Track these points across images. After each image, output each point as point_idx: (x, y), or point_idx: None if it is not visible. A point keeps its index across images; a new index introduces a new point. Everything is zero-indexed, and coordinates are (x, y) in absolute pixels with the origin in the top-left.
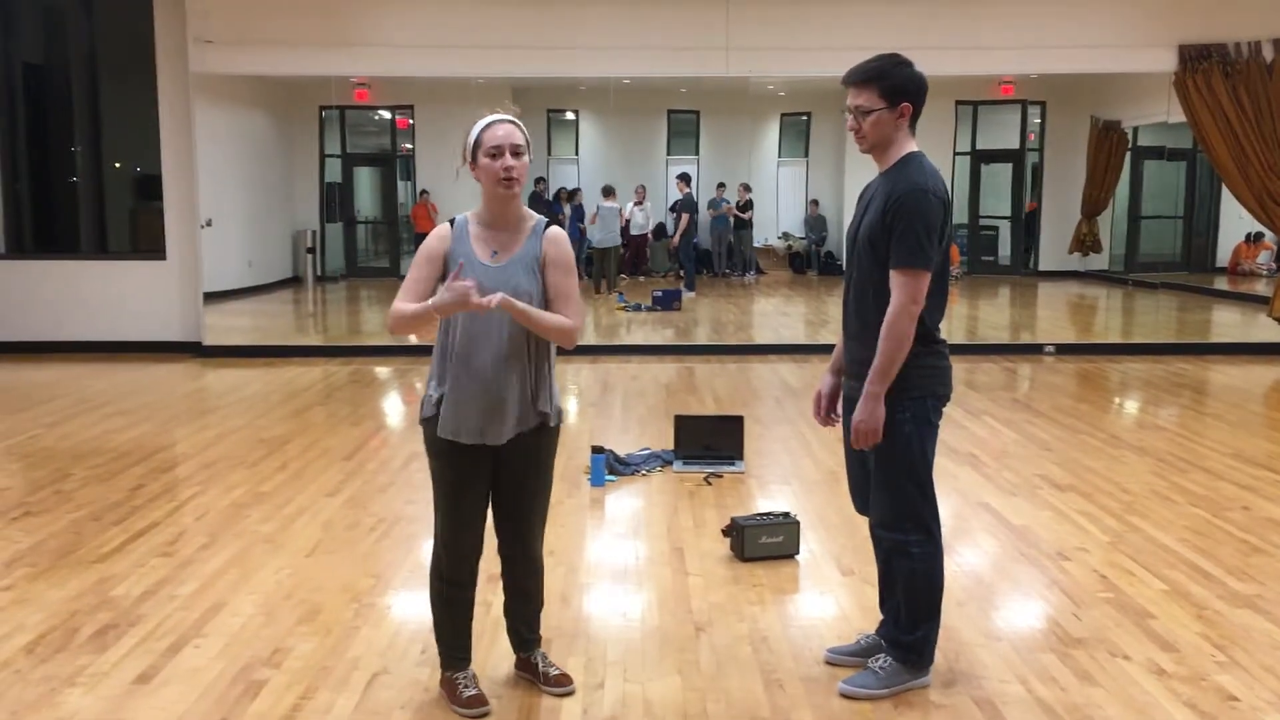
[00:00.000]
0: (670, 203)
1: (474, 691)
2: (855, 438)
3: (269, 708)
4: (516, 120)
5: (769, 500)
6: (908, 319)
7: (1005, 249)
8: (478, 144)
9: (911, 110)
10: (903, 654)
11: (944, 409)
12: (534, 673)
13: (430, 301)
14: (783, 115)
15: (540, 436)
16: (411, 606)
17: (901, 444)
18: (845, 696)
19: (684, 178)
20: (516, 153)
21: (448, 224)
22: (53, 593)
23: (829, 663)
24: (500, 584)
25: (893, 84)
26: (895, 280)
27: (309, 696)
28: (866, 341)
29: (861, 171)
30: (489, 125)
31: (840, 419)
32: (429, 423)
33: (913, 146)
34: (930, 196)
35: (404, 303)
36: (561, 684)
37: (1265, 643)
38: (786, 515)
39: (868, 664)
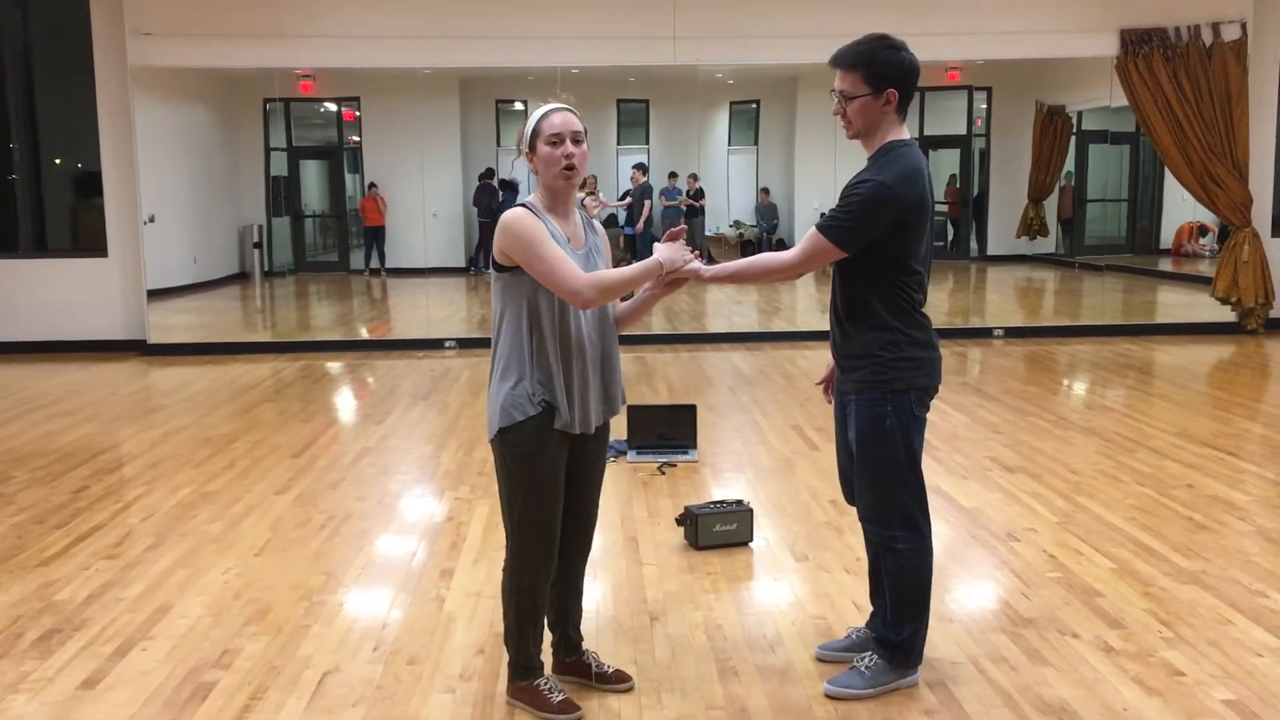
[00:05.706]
0: (621, 192)
1: (564, 696)
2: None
3: (219, 709)
4: (573, 108)
5: (723, 488)
6: (780, 271)
7: (953, 233)
8: (536, 132)
9: (898, 97)
10: (890, 653)
11: (931, 400)
12: (586, 673)
13: (661, 258)
14: (732, 103)
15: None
16: (363, 603)
17: (885, 439)
18: (830, 697)
19: (641, 167)
20: (576, 139)
21: (525, 209)
22: None
23: (820, 659)
24: (454, 585)
25: (878, 69)
26: (806, 236)
27: (259, 697)
28: (845, 330)
29: (811, 159)
30: (547, 113)
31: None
32: (533, 421)
33: (900, 134)
34: (886, 189)
35: (594, 272)
36: (622, 679)
37: (1210, 618)
38: (740, 503)
39: (854, 663)
